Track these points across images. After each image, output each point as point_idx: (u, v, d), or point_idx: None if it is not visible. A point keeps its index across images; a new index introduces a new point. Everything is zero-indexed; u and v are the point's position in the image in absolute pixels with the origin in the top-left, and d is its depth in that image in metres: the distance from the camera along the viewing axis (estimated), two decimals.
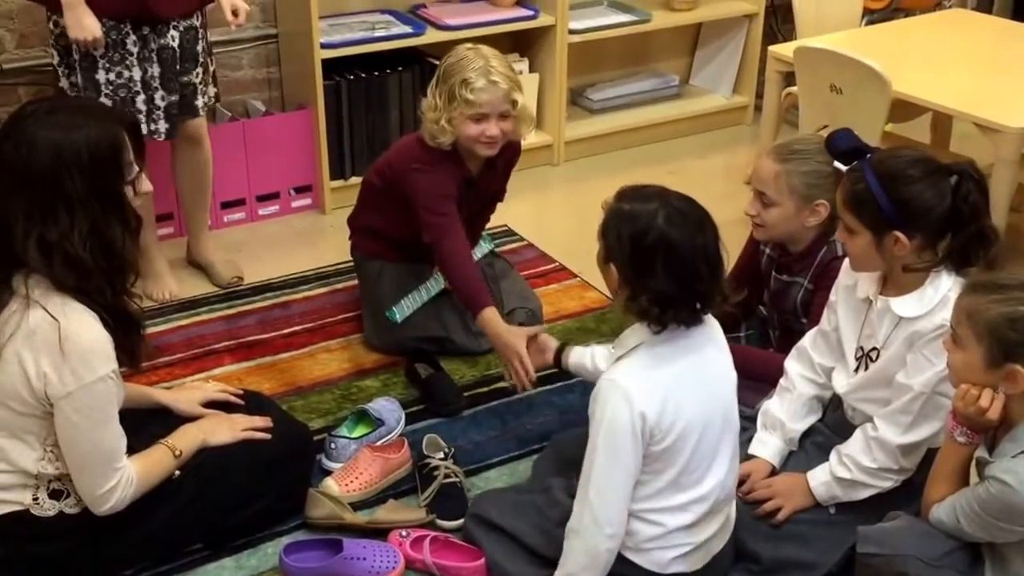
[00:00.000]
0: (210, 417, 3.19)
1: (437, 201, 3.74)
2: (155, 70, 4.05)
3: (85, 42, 3.87)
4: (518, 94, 3.70)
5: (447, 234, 3.73)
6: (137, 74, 4.02)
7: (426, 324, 4.00)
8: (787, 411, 3.15)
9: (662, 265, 2.58)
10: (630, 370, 2.67)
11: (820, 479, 3.00)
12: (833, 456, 3.00)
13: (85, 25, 3.84)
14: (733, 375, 2.84)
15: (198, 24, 4.14)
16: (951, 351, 2.61)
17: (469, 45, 3.78)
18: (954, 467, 2.68)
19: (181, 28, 4.06)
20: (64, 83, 4.06)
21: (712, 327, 2.78)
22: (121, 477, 2.81)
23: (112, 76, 3.99)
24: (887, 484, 2.93)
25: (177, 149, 4.34)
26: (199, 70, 4.17)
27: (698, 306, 2.65)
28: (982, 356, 2.52)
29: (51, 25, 4.01)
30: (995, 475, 2.52)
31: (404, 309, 3.98)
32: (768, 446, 3.15)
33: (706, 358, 2.74)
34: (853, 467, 2.94)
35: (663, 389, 2.63)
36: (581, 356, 3.37)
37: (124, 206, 2.77)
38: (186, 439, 3.04)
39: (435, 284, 4.03)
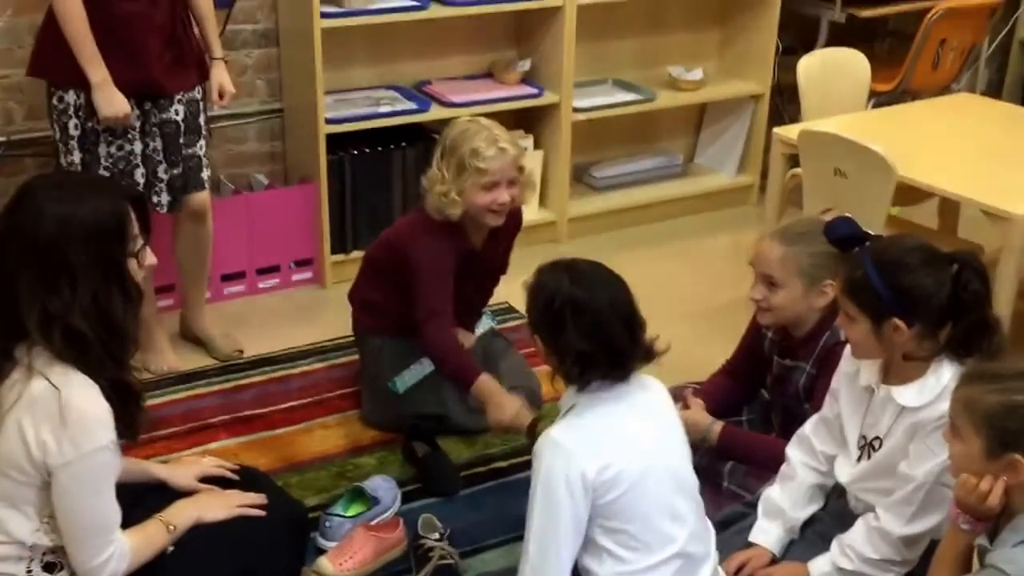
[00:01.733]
0: (205, 493, 3.17)
1: (435, 278, 3.76)
2: (158, 144, 4.08)
3: (116, 120, 3.91)
4: (523, 160, 3.78)
5: (437, 316, 3.77)
6: (138, 148, 4.05)
7: (425, 400, 3.97)
8: (789, 499, 3.12)
9: (572, 325, 2.71)
10: (566, 427, 2.75)
11: (821, 569, 2.97)
12: (835, 546, 2.97)
13: (116, 103, 3.89)
14: (676, 431, 2.89)
15: (199, 97, 4.17)
16: (950, 442, 2.58)
17: (467, 117, 3.86)
18: (957, 555, 2.64)
19: (184, 101, 4.10)
20: (64, 160, 4.06)
21: (648, 387, 2.86)
22: (115, 550, 2.78)
23: (113, 149, 4.01)
24: (889, 575, 2.90)
25: (179, 223, 4.34)
26: (203, 142, 4.20)
27: (620, 363, 2.74)
28: (981, 447, 2.49)
29: (54, 101, 4.02)
30: (995, 564, 2.48)
31: (406, 380, 3.96)
32: (769, 534, 3.11)
33: (639, 410, 2.80)
34: (855, 557, 2.90)
35: (597, 441, 2.70)
36: None
37: (126, 278, 2.77)
38: (181, 514, 3.01)
39: None
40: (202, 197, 4.27)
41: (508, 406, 3.65)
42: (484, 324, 4.24)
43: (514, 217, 3.97)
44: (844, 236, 2.90)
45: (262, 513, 3.13)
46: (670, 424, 2.88)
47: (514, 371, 4.13)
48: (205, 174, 4.23)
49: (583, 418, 2.75)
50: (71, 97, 3.95)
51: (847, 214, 3.03)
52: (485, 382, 3.72)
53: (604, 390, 2.75)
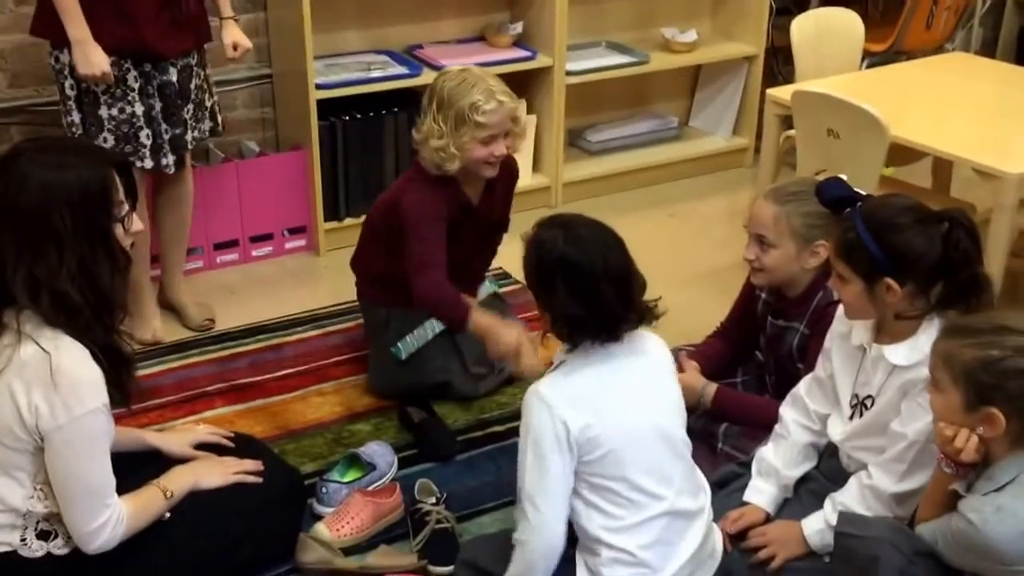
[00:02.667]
0: (202, 460, 3.19)
1: (427, 228, 3.72)
2: (158, 105, 4.08)
3: (93, 77, 3.88)
4: (519, 110, 3.76)
5: (429, 267, 3.70)
6: (140, 109, 4.04)
7: (429, 369, 3.97)
8: (782, 458, 3.14)
9: (563, 285, 2.70)
10: (552, 382, 2.76)
11: (815, 527, 2.98)
12: (828, 504, 2.98)
13: (93, 61, 3.86)
14: (669, 392, 2.88)
15: (194, 63, 4.17)
16: (931, 395, 2.62)
17: (459, 67, 3.81)
18: (943, 494, 2.67)
19: (179, 66, 4.10)
20: (65, 120, 4.06)
21: (645, 342, 2.85)
22: (111, 515, 2.79)
23: (115, 112, 4.00)
24: None
25: (160, 188, 4.35)
26: (190, 107, 4.19)
27: (610, 327, 2.74)
28: (959, 400, 2.53)
29: (52, 61, 4.02)
30: (963, 512, 2.53)
31: (409, 346, 3.95)
32: (763, 493, 3.12)
33: (629, 371, 2.79)
34: None
35: (582, 398, 2.71)
36: None
37: (112, 244, 2.78)
38: (178, 481, 3.03)
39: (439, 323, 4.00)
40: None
41: (507, 335, 3.55)
42: (486, 289, 4.22)
43: (508, 167, 3.94)
44: (836, 197, 2.91)
45: (259, 480, 3.15)
46: (662, 385, 2.87)
47: None
48: (188, 136, 4.21)
49: (570, 376, 2.76)
50: (65, 57, 3.94)
51: (841, 175, 3.02)
52: (480, 317, 3.63)
53: (595, 350, 2.76)
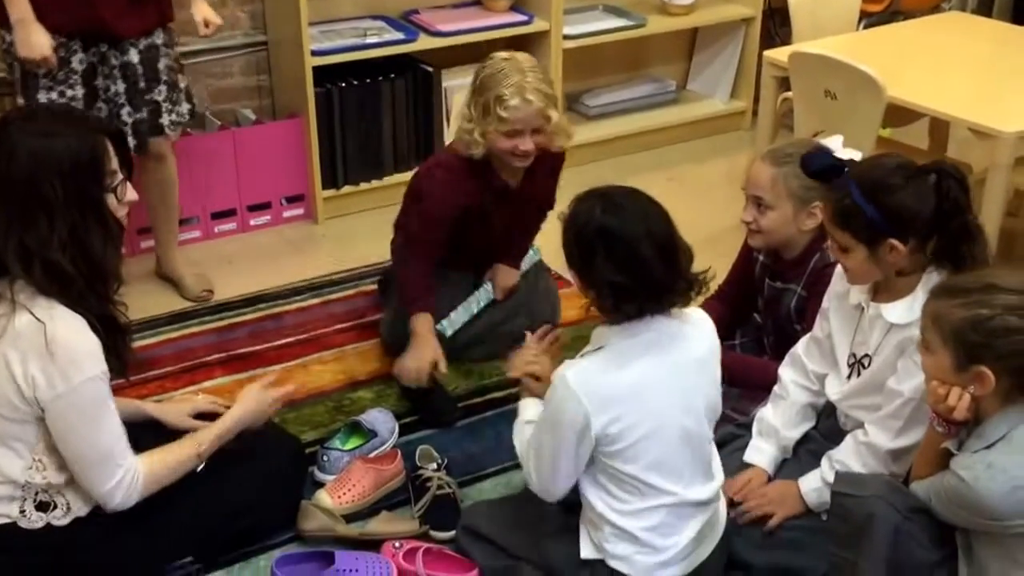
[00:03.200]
0: (241, 400, 3.20)
1: (429, 216, 3.78)
2: (119, 87, 4.00)
3: (33, 61, 3.79)
4: (552, 111, 3.68)
5: (414, 243, 3.81)
6: (80, 92, 3.94)
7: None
8: (781, 418, 3.16)
9: (604, 255, 2.64)
10: (585, 372, 2.69)
11: (811, 485, 3.02)
12: (824, 462, 3.01)
13: (33, 43, 3.76)
14: (705, 385, 2.81)
15: (160, 42, 4.06)
16: (922, 355, 2.64)
17: (505, 55, 3.73)
18: (935, 453, 2.68)
19: (141, 47, 4.00)
20: (17, 102, 3.99)
21: (692, 324, 2.79)
22: (124, 475, 2.82)
23: (54, 96, 3.91)
24: None
25: (143, 166, 4.27)
26: (163, 88, 4.10)
27: (656, 295, 2.67)
28: (950, 360, 2.54)
29: (0, 40, 3.92)
30: (955, 469, 2.55)
31: (454, 323, 3.97)
32: (763, 453, 3.15)
33: (664, 363, 2.71)
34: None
35: (611, 397, 2.66)
36: None
37: (105, 214, 2.78)
38: (206, 434, 3.05)
39: (484, 296, 4.03)
40: (159, 141, 4.20)
41: (415, 358, 3.68)
42: (530, 257, 4.22)
43: (553, 155, 3.91)
44: (821, 168, 2.91)
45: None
46: (700, 376, 2.80)
47: (538, 293, 4.16)
48: (165, 119, 4.15)
49: (606, 364, 2.69)
50: (11, 37, 3.82)
51: (838, 136, 3.02)
52: (420, 320, 3.73)
53: (638, 330, 2.69)
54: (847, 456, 2.94)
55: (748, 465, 3.15)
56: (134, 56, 3.98)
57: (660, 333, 2.70)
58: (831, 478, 2.93)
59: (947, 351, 2.53)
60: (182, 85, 4.21)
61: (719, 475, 2.91)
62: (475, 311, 3.99)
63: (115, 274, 2.84)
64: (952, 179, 2.75)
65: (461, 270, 4.01)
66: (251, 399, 3.17)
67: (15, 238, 2.68)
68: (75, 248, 2.70)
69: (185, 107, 4.23)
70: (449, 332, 3.93)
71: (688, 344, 2.75)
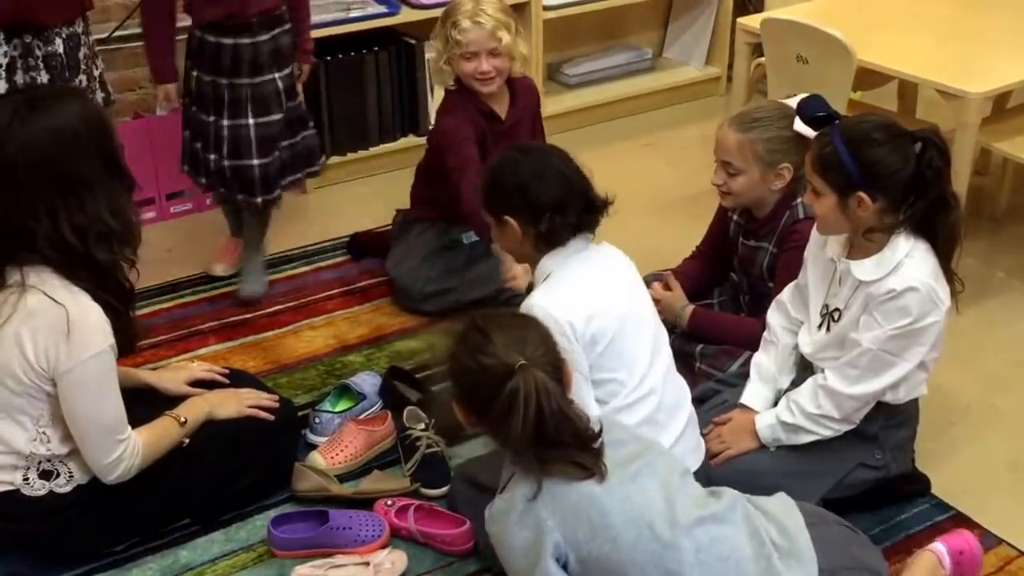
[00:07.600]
0: (218, 391, 3.26)
1: (458, 143, 3.97)
2: (43, 78, 3.79)
3: None
4: (503, 32, 3.92)
5: (467, 170, 3.87)
6: (3, 87, 3.74)
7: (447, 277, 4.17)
8: (775, 363, 3.23)
9: (537, 182, 2.91)
10: (545, 290, 2.90)
11: (766, 422, 3.12)
12: (782, 401, 3.12)
13: None
14: (641, 284, 3.07)
15: (80, 31, 3.89)
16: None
17: None
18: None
19: (64, 35, 3.81)
20: None
21: (611, 252, 3.05)
22: (125, 448, 2.88)
23: None
24: (827, 432, 3.05)
25: None
26: (82, 77, 3.92)
27: (590, 207, 2.94)
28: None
29: None
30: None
31: (471, 236, 4.14)
32: (760, 396, 3.22)
33: (607, 266, 2.99)
34: (797, 412, 3.05)
35: (577, 295, 2.87)
36: None
37: (125, 170, 2.87)
38: (193, 410, 3.12)
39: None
40: None
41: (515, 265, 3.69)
42: None
43: (528, 89, 4.18)
44: (816, 115, 3.00)
45: (271, 417, 3.23)
46: (637, 282, 3.04)
47: None
48: None
49: (559, 280, 2.90)
50: None
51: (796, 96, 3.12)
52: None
53: (571, 251, 2.93)
54: (803, 397, 3.04)
55: (744, 408, 3.21)
56: (60, 46, 3.79)
57: (589, 249, 2.95)
58: (784, 416, 3.05)
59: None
60: (97, 72, 4.03)
61: (685, 385, 3.10)
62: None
63: (138, 231, 2.91)
64: (936, 149, 2.83)
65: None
66: (232, 404, 3.22)
67: (65, 221, 2.72)
68: (111, 213, 2.78)
69: (100, 95, 4.02)
70: (466, 241, 4.18)
71: (612, 253, 3.05)
